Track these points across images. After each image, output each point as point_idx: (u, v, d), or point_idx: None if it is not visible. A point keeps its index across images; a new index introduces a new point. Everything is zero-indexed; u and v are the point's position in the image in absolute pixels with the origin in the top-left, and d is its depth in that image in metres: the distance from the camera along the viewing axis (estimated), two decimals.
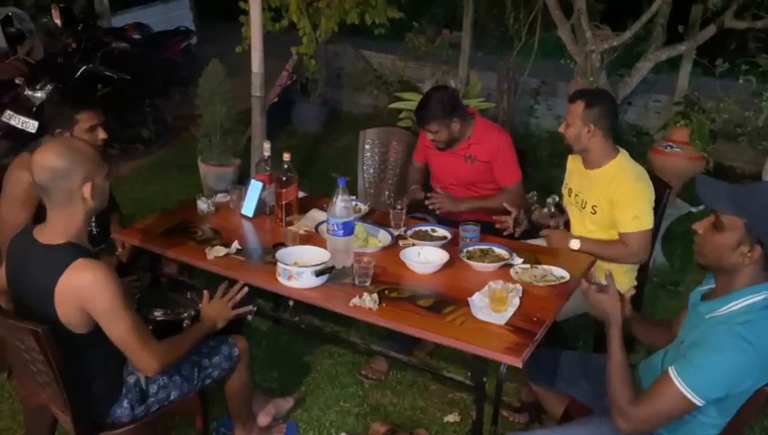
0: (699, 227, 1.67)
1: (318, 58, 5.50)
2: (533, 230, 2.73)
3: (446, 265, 2.32)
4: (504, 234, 2.70)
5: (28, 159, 2.43)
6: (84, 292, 1.72)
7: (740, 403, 1.65)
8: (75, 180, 1.76)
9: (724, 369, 1.54)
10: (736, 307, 1.60)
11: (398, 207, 2.70)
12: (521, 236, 2.73)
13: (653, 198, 2.50)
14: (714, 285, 1.72)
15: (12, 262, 1.90)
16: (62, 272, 1.72)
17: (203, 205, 2.74)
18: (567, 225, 2.73)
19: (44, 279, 1.75)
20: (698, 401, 1.56)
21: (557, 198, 2.74)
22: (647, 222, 2.47)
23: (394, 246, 2.47)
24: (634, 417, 1.63)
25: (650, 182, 2.53)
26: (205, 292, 2.15)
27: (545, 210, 2.71)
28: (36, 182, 1.78)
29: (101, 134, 2.52)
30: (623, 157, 2.55)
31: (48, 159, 1.75)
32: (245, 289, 2.17)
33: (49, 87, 4.52)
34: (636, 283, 2.60)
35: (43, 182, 1.76)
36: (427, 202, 2.99)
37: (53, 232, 1.80)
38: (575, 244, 2.52)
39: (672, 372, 1.58)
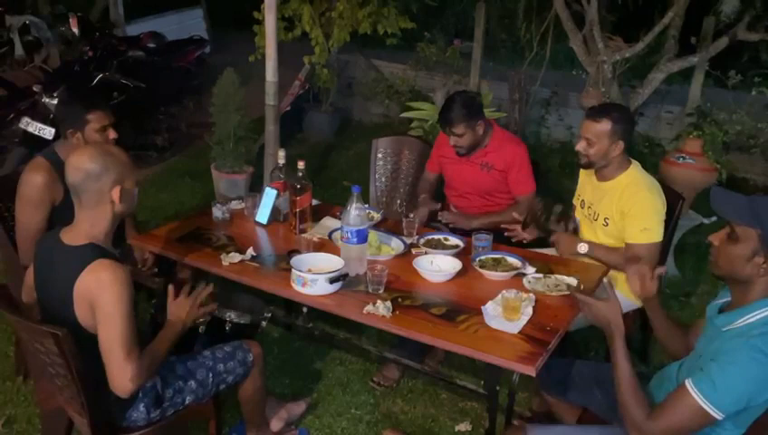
0: (715, 238, 1.67)
1: (330, 67, 5.55)
2: (545, 236, 2.74)
3: (459, 274, 2.33)
4: (513, 241, 2.71)
5: (42, 163, 2.49)
6: (95, 290, 1.75)
7: (756, 415, 1.64)
8: (106, 183, 1.82)
9: (743, 382, 1.53)
10: (753, 319, 1.60)
11: (411, 215, 2.71)
12: (533, 244, 2.74)
13: (664, 210, 2.50)
14: (730, 298, 1.72)
15: (38, 264, 1.94)
16: (81, 271, 1.76)
17: (218, 212, 2.77)
18: (575, 230, 2.74)
19: (65, 279, 1.79)
20: (718, 415, 1.55)
21: (561, 207, 2.74)
22: (656, 235, 2.46)
23: (407, 255, 2.48)
24: (651, 431, 1.62)
25: (662, 195, 2.53)
26: (170, 287, 2.07)
27: (552, 217, 2.72)
28: (68, 183, 1.84)
29: (112, 134, 2.56)
30: (635, 168, 2.56)
31: (81, 161, 1.81)
32: (210, 287, 2.12)
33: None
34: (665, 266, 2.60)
35: (75, 183, 1.82)
36: (440, 217, 3.00)
37: (78, 233, 1.85)
38: (583, 247, 2.52)
39: (689, 384, 1.57)
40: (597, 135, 2.47)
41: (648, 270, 1.95)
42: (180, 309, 2.03)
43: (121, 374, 1.77)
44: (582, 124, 2.54)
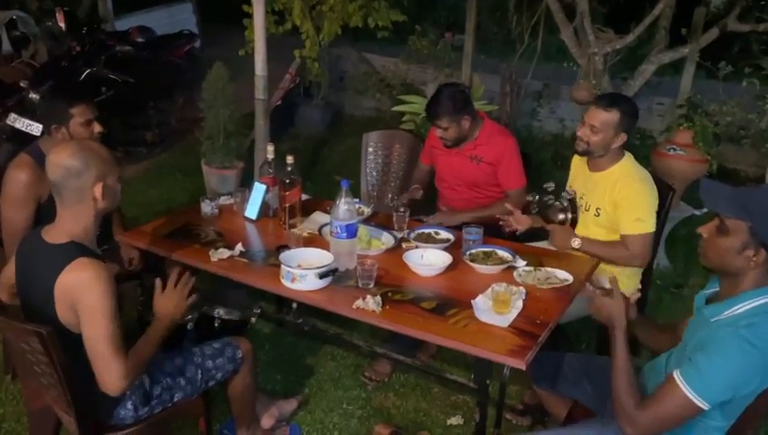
0: (704, 230, 1.67)
1: (321, 61, 5.52)
2: (540, 222, 2.72)
3: (450, 268, 2.32)
4: (507, 230, 2.71)
5: (26, 160, 2.46)
6: (75, 290, 1.72)
7: (744, 406, 1.64)
8: (87, 180, 1.79)
9: (729, 372, 1.53)
10: (740, 310, 1.59)
11: (401, 209, 2.70)
12: (524, 238, 2.73)
13: (657, 202, 2.50)
14: (718, 288, 1.72)
15: (20, 262, 1.92)
16: (62, 270, 1.73)
17: (206, 207, 2.75)
18: (574, 224, 2.73)
19: (46, 278, 1.76)
20: (704, 405, 1.55)
21: (572, 193, 2.71)
22: (649, 225, 2.46)
23: (397, 249, 2.47)
24: (640, 422, 1.62)
25: (654, 186, 2.52)
26: (157, 281, 1.99)
27: (557, 203, 2.69)
28: (50, 180, 1.81)
29: (97, 127, 2.51)
30: (628, 159, 2.55)
31: (62, 158, 1.78)
32: (192, 279, 2.02)
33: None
34: (640, 286, 2.60)
35: (56, 180, 1.79)
36: (426, 221, 2.99)
37: (60, 231, 1.82)
38: (576, 242, 2.52)
39: (677, 376, 1.57)
40: (603, 124, 2.45)
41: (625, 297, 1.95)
42: (168, 301, 1.95)
43: (111, 374, 1.75)
44: (589, 111, 2.51)
